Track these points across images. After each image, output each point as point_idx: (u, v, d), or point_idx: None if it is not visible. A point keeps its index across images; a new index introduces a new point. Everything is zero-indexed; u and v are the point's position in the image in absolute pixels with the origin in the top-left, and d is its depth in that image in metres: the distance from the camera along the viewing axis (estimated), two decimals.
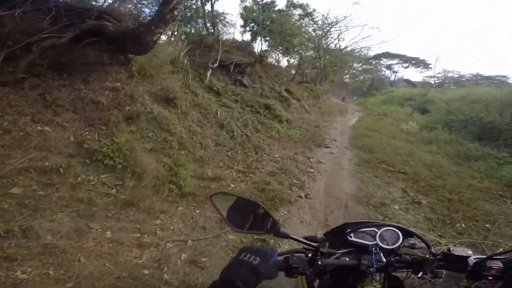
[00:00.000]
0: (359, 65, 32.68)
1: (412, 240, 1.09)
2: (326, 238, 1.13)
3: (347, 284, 0.97)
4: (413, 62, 37.09)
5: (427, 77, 37.84)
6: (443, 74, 31.96)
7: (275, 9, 14.50)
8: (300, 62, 16.88)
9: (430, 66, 36.48)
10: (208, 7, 13.35)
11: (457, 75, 31.77)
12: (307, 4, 16.04)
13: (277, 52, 17.19)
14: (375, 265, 0.88)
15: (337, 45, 22.07)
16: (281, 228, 0.86)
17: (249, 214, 0.88)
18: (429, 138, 9.24)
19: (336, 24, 19.93)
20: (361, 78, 36.42)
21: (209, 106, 6.53)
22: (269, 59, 17.77)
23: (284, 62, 19.94)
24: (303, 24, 16.19)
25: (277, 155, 6.04)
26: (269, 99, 10.52)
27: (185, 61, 6.98)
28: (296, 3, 15.67)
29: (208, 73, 8.57)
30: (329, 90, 25.54)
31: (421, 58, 36.62)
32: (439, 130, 10.06)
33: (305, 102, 14.68)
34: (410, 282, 1.01)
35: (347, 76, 35.45)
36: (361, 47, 22.28)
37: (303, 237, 0.94)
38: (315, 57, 20.20)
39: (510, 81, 22.97)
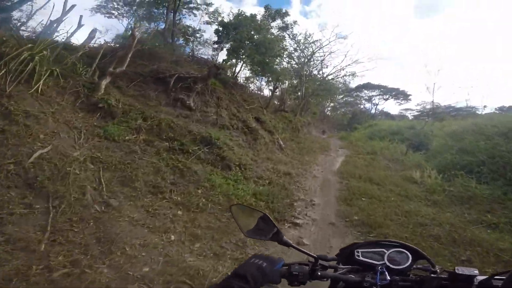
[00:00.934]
0: (341, 96, 30.42)
1: (426, 262, 0.93)
2: (336, 257, 0.99)
3: None
4: (393, 93, 34.69)
5: (403, 110, 35.75)
6: (422, 105, 30.20)
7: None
8: (277, 85, 13.48)
9: (409, 97, 34.55)
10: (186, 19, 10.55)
11: (436, 106, 30.00)
12: (285, 12, 13.10)
13: (259, 79, 14.04)
14: (379, 283, 0.81)
15: (320, 72, 19.09)
16: (284, 238, 0.89)
17: (259, 223, 0.92)
18: (458, 194, 5.58)
19: (320, 49, 17.15)
20: (342, 110, 33.94)
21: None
22: (250, 86, 14.59)
23: (267, 92, 16.84)
24: (282, 38, 12.99)
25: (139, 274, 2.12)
26: (218, 131, 6.83)
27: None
28: (272, 9, 12.70)
29: (103, 83, 4.85)
30: (311, 122, 22.29)
31: (401, 89, 34.51)
32: (463, 179, 6.49)
33: (279, 136, 11.11)
34: None
35: (329, 108, 32.81)
36: (346, 73, 19.07)
37: (316, 255, 0.88)
38: (297, 85, 17.10)
39: (479, 112, 20.23)
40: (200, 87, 7.88)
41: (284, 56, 13.28)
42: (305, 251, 0.86)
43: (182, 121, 5.74)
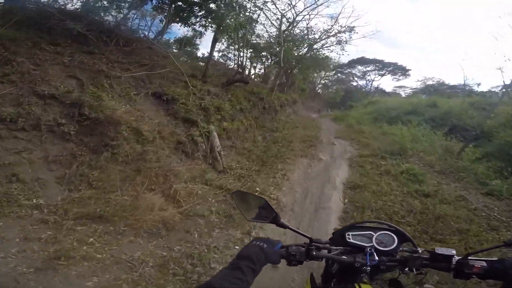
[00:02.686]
0: (333, 72, 23.85)
1: (411, 245, 0.95)
2: (330, 241, 1.00)
3: (347, 282, 0.89)
4: (390, 68, 28.14)
5: (397, 87, 29.23)
6: (422, 81, 24.99)
7: None
8: (218, 37, 7.09)
9: (408, 73, 28.08)
10: None
11: (437, 83, 24.22)
12: None
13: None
14: (369, 263, 0.83)
15: (306, 37, 12.11)
16: (281, 220, 0.88)
17: (258, 208, 0.91)
18: None
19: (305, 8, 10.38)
20: (334, 88, 27.45)
21: None
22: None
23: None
24: None
25: None
26: None
27: None
28: None
29: None
30: (297, 100, 15.84)
31: (399, 64, 27.79)
32: None
33: (219, 126, 5.07)
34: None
35: (320, 86, 26.23)
36: (341, 28, 11.59)
37: (310, 236, 0.89)
38: (276, 53, 10.63)
39: (474, 90, 15.29)
40: None
41: None
42: (301, 232, 0.88)
43: None
